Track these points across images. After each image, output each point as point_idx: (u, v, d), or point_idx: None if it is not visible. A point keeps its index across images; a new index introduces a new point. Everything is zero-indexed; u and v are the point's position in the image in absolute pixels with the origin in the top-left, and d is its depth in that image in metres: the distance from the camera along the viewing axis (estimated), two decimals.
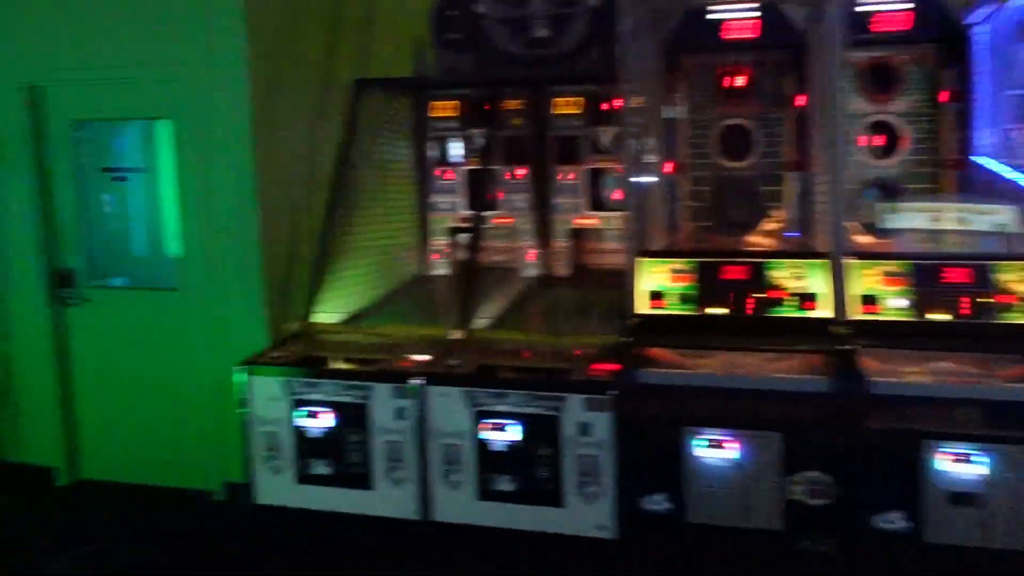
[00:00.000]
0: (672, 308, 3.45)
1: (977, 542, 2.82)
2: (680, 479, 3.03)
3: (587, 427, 3.13)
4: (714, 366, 3.18)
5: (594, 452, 3.13)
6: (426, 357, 3.47)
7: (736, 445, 2.97)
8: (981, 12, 4.26)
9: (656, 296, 3.47)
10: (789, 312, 3.34)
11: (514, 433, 3.20)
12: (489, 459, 3.24)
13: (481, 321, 3.75)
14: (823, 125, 3.63)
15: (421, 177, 4.87)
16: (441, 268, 4.81)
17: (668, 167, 4.25)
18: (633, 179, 3.76)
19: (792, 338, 3.26)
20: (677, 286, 3.47)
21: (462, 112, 4.80)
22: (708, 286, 3.45)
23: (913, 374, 3.05)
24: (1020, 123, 4.00)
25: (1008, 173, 3.81)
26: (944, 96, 4.09)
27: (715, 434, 2.98)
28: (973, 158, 3.99)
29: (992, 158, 4.04)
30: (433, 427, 3.30)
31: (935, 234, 3.59)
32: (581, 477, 3.15)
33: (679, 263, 3.51)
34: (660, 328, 3.41)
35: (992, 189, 3.84)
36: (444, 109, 4.83)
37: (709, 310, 3.42)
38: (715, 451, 2.98)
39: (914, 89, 4.16)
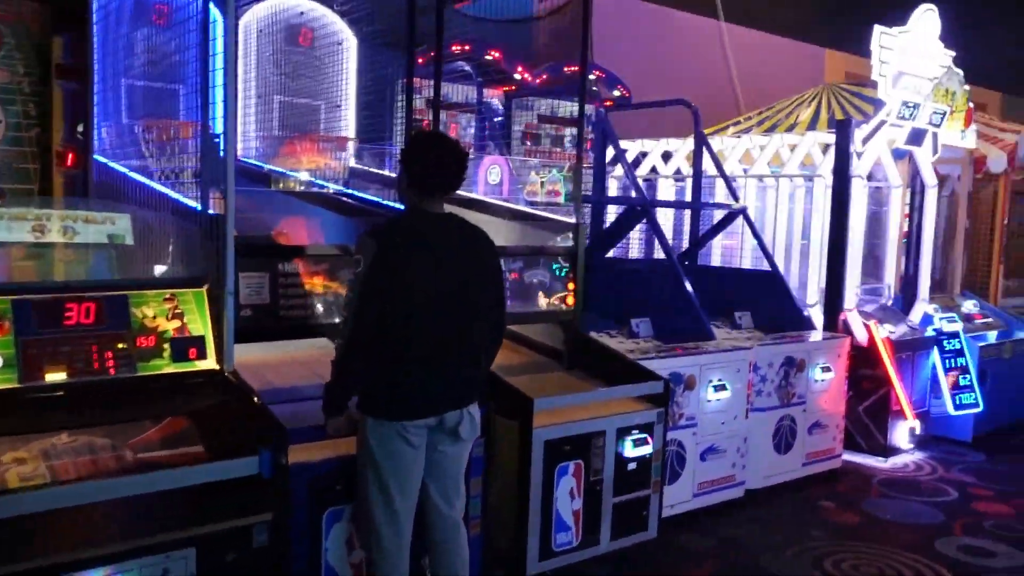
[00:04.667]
0: None
1: None
2: None
3: None
4: None
5: None
6: None
7: None
8: None
9: None
10: None
11: None
12: None
13: None
14: None
15: None
16: None
17: None
18: None
19: None
20: None
21: None
22: None
23: (21, 472, 2.11)
24: (143, 117, 3.63)
25: (129, 173, 3.40)
26: (57, 72, 3.43)
27: None
28: (95, 154, 3.47)
29: (112, 155, 3.59)
30: None
31: (44, 253, 2.83)
32: None
33: None
34: None
35: (113, 192, 3.38)
36: None
37: None
38: None
39: (16, 59, 3.40)
